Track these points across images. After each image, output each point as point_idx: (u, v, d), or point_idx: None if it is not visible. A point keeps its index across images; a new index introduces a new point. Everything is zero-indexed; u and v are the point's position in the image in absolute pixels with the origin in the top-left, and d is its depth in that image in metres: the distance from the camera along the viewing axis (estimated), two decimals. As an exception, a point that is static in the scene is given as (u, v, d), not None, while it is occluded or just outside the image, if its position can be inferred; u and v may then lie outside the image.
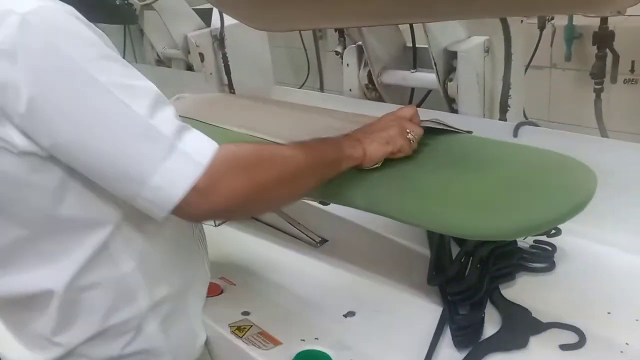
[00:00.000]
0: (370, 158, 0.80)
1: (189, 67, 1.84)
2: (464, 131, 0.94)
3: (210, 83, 1.76)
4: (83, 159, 0.63)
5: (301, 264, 1.03)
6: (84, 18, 0.65)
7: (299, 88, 2.21)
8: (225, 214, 0.67)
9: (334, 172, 0.78)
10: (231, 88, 1.77)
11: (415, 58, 1.28)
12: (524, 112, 1.50)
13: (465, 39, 1.15)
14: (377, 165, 0.82)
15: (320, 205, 1.16)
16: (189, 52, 1.76)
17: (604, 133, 1.54)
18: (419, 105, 1.35)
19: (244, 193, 0.66)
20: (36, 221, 0.69)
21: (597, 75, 1.48)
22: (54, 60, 0.61)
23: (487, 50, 1.13)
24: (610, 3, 0.67)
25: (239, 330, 0.84)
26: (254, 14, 1.18)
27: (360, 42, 1.30)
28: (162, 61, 1.95)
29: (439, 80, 1.16)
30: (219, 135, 0.91)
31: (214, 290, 0.93)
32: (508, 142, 0.92)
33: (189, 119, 0.94)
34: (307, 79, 2.22)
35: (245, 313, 0.89)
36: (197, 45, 1.72)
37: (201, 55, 1.74)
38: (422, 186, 0.79)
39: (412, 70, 1.26)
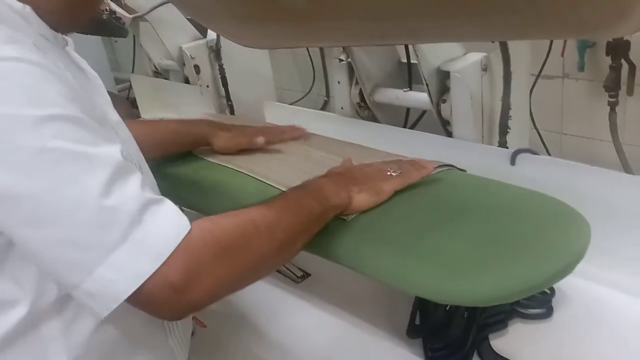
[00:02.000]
0: (355, 208, 0.75)
1: (186, 80, 1.78)
2: (458, 168, 0.86)
3: (207, 96, 1.71)
4: (19, 236, 0.54)
5: (279, 302, 0.96)
6: (51, 68, 0.54)
7: (305, 95, 2.15)
8: (209, 304, 0.59)
9: (321, 225, 0.72)
10: (229, 101, 1.71)
11: (410, 75, 1.19)
12: (534, 123, 1.42)
13: (461, 56, 1.06)
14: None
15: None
16: (184, 64, 1.70)
17: (618, 147, 1.44)
18: (412, 127, 1.27)
19: (230, 281, 0.58)
20: None
21: (611, 87, 1.36)
22: None
23: (484, 68, 1.05)
24: (615, 29, 0.58)
25: (201, 385, 0.78)
26: (236, 32, 1.12)
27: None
28: (159, 72, 1.90)
29: (432, 102, 1.07)
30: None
31: (183, 333, 0.87)
32: (499, 182, 0.83)
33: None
34: (312, 86, 2.16)
35: (212, 363, 0.83)
36: (192, 57, 1.67)
37: (196, 67, 1.68)
38: (390, 237, 0.71)
39: (405, 89, 1.17)
